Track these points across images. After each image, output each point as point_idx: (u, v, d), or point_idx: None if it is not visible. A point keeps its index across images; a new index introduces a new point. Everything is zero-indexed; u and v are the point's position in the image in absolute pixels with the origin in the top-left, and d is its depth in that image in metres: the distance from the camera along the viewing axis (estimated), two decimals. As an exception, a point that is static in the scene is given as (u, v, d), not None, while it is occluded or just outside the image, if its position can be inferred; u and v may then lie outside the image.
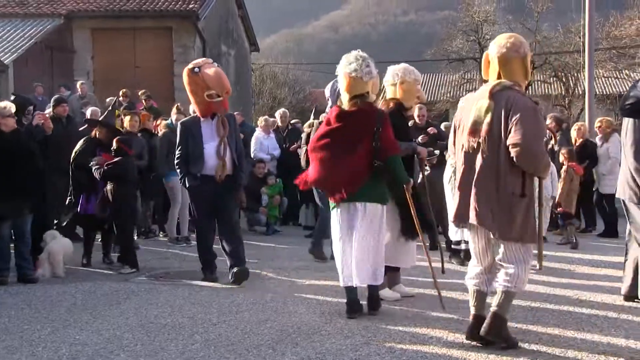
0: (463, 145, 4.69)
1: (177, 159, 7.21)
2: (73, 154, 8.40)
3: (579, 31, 20.90)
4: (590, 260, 8.71)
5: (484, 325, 4.61)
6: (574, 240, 10.01)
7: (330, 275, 7.38)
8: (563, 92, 29.48)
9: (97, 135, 8.41)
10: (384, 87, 6.54)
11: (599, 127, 11.57)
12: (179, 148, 7.19)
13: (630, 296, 6.10)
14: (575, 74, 27.51)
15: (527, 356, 4.57)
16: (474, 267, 4.83)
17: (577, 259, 8.76)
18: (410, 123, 11.05)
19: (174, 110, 10.78)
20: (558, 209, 10.27)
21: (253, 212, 11.55)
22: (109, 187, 7.81)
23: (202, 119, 7.14)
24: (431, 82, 38.17)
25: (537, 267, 5.05)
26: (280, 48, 63.46)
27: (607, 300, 6.29)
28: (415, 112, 11.23)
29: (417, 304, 6.08)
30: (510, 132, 4.43)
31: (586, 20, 16.21)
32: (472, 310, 4.79)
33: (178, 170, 7.26)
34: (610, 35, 26.63)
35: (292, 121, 14.26)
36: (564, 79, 29.19)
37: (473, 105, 4.65)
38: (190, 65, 7.06)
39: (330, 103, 7.26)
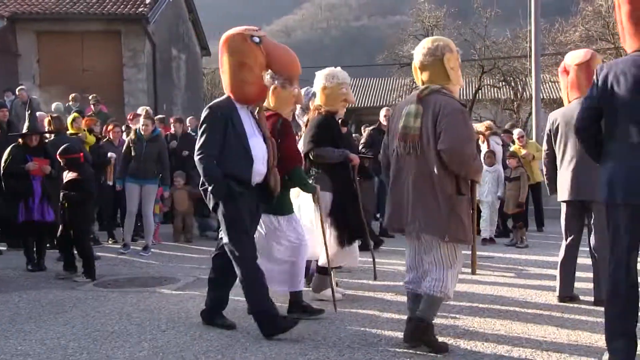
0: (394, 150, 4.71)
1: (208, 156, 5.05)
2: (2, 162, 8.22)
3: (527, 37, 21.27)
4: (536, 260, 8.86)
5: (406, 330, 4.63)
6: (523, 242, 10.19)
7: (281, 280, 7.39)
8: (512, 96, 29.97)
9: (27, 142, 8.19)
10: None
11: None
12: (210, 141, 5.07)
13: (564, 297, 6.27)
14: (524, 79, 28.02)
15: (473, 356, 4.62)
16: (409, 273, 4.85)
17: (524, 260, 8.91)
18: (373, 126, 11.25)
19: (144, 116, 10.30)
20: (511, 210, 10.45)
21: (204, 217, 11.45)
22: (62, 195, 7.73)
23: (238, 106, 5.25)
24: (383, 86, 38.52)
25: (471, 272, 5.05)
26: (233, 52, 63.08)
27: (552, 299, 6.41)
28: (381, 114, 11.37)
29: (367, 306, 6.10)
30: (439, 137, 4.45)
31: (532, 26, 16.54)
32: (409, 313, 4.80)
33: (206, 173, 5.05)
34: (556, 41, 27.20)
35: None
36: (512, 84, 29.69)
37: (403, 111, 4.66)
38: (240, 29, 5.30)
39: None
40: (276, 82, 5.52)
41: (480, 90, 30.70)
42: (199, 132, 5.15)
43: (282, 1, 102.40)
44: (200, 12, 27.01)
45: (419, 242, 4.72)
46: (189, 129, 13.04)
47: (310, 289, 6.37)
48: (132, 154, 9.48)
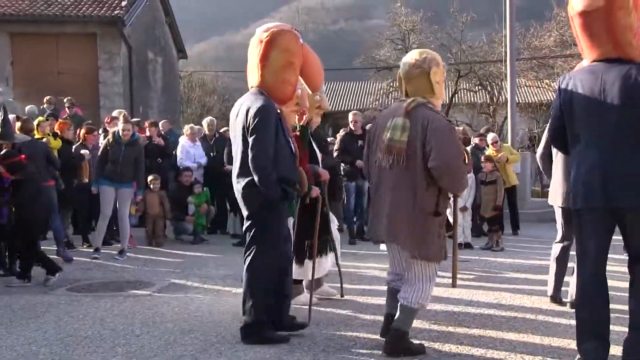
0: (376, 162, 4.71)
1: (267, 157, 4.84)
2: None
3: (502, 41, 21.42)
4: (511, 264, 8.92)
5: (385, 343, 4.64)
6: (499, 245, 10.24)
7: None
8: (488, 100, 30.15)
9: None
10: None
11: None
12: (269, 140, 4.86)
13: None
14: (499, 83, 28.20)
15: (451, 358, 4.65)
16: (390, 275, 4.92)
17: (500, 263, 8.96)
18: (344, 131, 11.24)
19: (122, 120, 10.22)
20: (488, 214, 10.48)
21: (180, 220, 11.40)
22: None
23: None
24: (360, 90, 38.62)
25: (452, 285, 5.06)
26: (210, 56, 63.06)
27: (526, 303, 6.46)
28: (350, 118, 11.35)
29: (343, 309, 6.10)
30: (430, 154, 4.44)
31: (507, 31, 16.67)
32: (387, 309, 4.84)
33: (264, 173, 4.83)
34: (531, 46, 27.45)
35: (222, 130, 14.15)
36: (488, 88, 29.88)
37: (388, 122, 4.65)
38: (285, 27, 5.19)
39: None
40: None
41: (456, 95, 30.82)
42: (255, 130, 4.83)
43: (259, 5, 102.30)
44: (177, 15, 26.90)
45: (395, 251, 4.77)
46: (162, 132, 12.94)
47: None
48: (109, 157, 9.43)
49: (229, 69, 48.63)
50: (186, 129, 12.72)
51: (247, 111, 4.91)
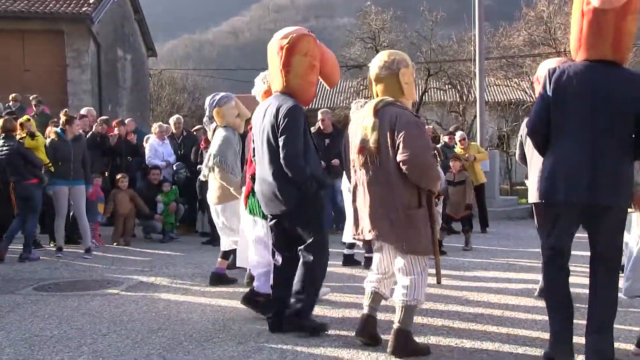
0: (353, 162, 4.74)
1: (299, 154, 5.01)
2: None
3: (472, 40, 21.59)
4: (480, 262, 9.00)
5: (390, 344, 4.63)
6: (468, 245, 10.29)
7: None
8: (458, 99, 30.35)
9: None
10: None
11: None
12: (300, 140, 5.04)
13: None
14: (469, 82, 28.42)
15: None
16: (375, 275, 4.88)
17: (468, 262, 9.03)
18: (314, 129, 11.24)
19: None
20: (460, 215, 10.50)
21: (148, 219, 11.32)
22: None
23: None
24: (330, 89, 38.62)
25: (437, 281, 5.07)
26: (180, 53, 62.72)
27: (492, 299, 6.53)
28: (318, 117, 11.35)
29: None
30: (398, 149, 4.47)
31: (476, 30, 16.81)
32: (366, 310, 4.84)
33: (303, 171, 4.98)
34: (500, 45, 27.66)
35: (195, 128, 14.04)
36: (458, 87, 30.09)
37: (360, 124, 4.69)
38: (303, 31, 5.28)
39: (207, 114, 7.13)
40: (265, 85, 5.56)
41: (426, 93, 31.01)
42: (286, 129, 4.96)
43: (230, 3, 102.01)
44: (147, 12, 26.68)
45: (385, 249, 4.77)
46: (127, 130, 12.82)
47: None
48: (59, 156, 9.37)
49: (199, 67, 48.53)
50: (154, 127, 12.65)
51: (277, 111, 5.02)
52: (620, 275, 4.35)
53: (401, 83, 4.71)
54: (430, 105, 31.38)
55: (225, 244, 7.14)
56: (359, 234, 4.77)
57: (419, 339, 4.98)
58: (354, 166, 4.76)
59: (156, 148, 12.13)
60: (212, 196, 7.05)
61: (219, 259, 7.24)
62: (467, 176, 10.78)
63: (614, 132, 4.12)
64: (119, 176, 10.92)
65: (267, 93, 5.66)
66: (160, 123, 13.12)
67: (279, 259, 5.25)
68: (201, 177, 7.39)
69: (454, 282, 7.50)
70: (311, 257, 5.06)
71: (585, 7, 4.26)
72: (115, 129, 12.42)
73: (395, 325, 4.63)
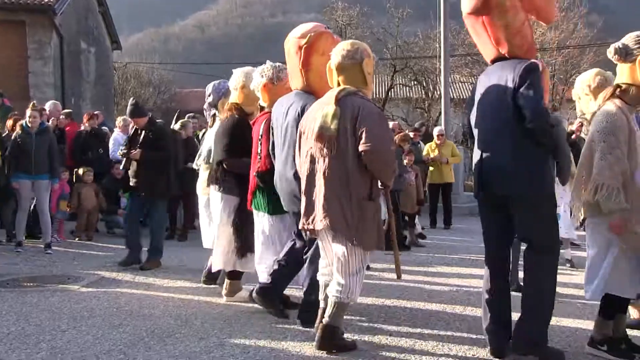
0: (308, 151, 4.70)
1: None
2: None
3: (437, 37, 21.73)
4: (442, 258, 9.07)
5: (317, 338, 4.64)
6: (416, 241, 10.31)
7: (190, 277, 7.31)
8: (423, 95, 30.54)
9: None
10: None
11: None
12: None
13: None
14: (434, 78, 28.59)
15: (378, 351, 4.69)
16: (325, 267, 4.86)
17: (431, 258, 9.10)
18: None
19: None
20: (410, 210, 10.55)
21: (112, 214, 11.18)
22: None
23: None
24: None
25: (397, 277, 5.08)
26: (145, 47, 62.08)
27: (455, 294, 6.58)
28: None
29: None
30: (360, 139, 4.47)
31: (441, 28, 16.91)
32: (322, 304, 4.83)
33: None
34: (466, 42, 27.87)
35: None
36: (424, 83, 30.27)
37: (319, 111, 4.65)
38: (320, 28, 5.34)
39: (210, 100, 7.00)
40: (264, 78, 5.50)
41: (392, 89, 31.14)
42: None
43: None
44: (111, 5, 26.34)
45: (326, 241, 4.73)
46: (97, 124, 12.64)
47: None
48: (21, 148, 9.19)
49: (165, 60, 48.08)
50: (119, 121, 12.51)
51: (303, 110, 5.07)
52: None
53: (364, 73, 4.72)
54: (396, 101, 31.52)
55: (206, 242, 7.06)
56: (309, 223, 4.71)
57: (380, 336, 5.02)
58: (309, 154, 4.71)
59: (120, 142, 11.97)
60: (200, 187, 7.02)
61: (211, 257, 7.10)
62: (418, 170, 10.83)
63: (503, 127, 4.33)
64: (82, 170, 10.76)
65: (267, 86, 5.63)
66: (125, 117, 12.94)
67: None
68: (193, 166, 7.37)
69: (417, 277, 7.55)
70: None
71: (463, 15, 4.59)
72: (86, 122, 12.22)
73: (325, 320, 4.64)
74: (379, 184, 4.64)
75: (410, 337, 5.03)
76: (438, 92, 26.52)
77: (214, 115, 6.98)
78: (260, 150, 5.51)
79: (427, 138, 13.98)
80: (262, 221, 5.67)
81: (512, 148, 4.30)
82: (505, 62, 4.43)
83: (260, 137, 5.53)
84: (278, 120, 5.34)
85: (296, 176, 5.01)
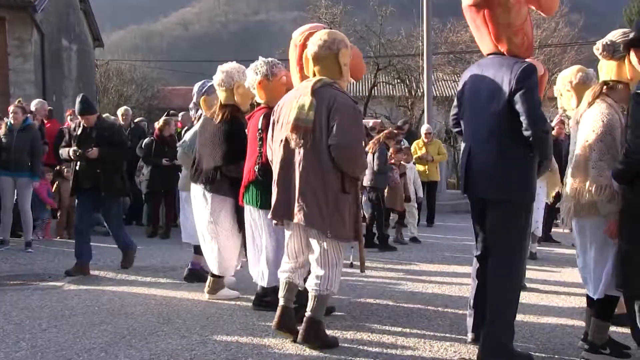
0: (282, 141, 4.68)
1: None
2: None
3: (420, 35, 21.79)
4: (425, 255, 9.11)
5: (300, 331, 4.64)
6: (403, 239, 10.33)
7: (172, 275, 7.29)
8: (406, 93, 30.59)
9: None
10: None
11: None
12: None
13: None
14: (417, 77, 28.66)
15: (359, 348, 4.70)
16: (288, 263, 4.83)
17: (414, 255, 9.13)
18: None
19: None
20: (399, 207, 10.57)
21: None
22: None
23: None
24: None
25: (360, 271, 5.08)
26: (128, 44, 61.72)
27: (437, 291, 6.61)
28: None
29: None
30: (331, 132, 4.46)
31: (424, 26, 16.96)
32: (281, 302, 4.79)
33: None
34: (448, 41, 28.02)
35: (137, 119, 13.91)
36: (407, 81, 30.32)
37: (294, 102, 4.64)
38: (319, 27, 5.37)
39: (194, 100, 7.05)
40: (258, 75, 5.48)
41: (375, 87, 31.17)
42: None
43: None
44: (93, 2, 26.15)
45: (304, 234, 4.72)
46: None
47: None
48: (3, 145, 9.11)
49: (147, 58, 47.77)
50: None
51: None
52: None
53: (340, 64, 4.70)
54: (379, 99, 31.53)
55: (185, 237, 7.07)
56: (283, 210, 4.67)
57: (364, 331, 5.03)
58: (282, 145, 4.68)
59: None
60: (182, 183, 7.01)
61: (193, 255, 7.11)
62: (407, 169, 10.86)
63: (491, 124, 4.24)
64: (63, 166, 10.69)
65: (262, 83, 5.57)
66: (108, 114, 12.88)
67: None
68: (176, 162, 7.35)
69: (400, 274, 7.58)
70: None
71: (463, 6, 4.47)
72: (69, 118, 12.13)
73: (307, 314, 4.64)
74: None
75: (392, 334, 5.04)
76: (421, 90, 26.56)
77: (201, 114, 7.01)
78: (261, 144, 5.46)
79: (410, 136, 14.03)
80: (250, 215, 5.65)
81: (501, 151, 4.21)
82: (502, 59, 4.30)
83: (259, 132, 5.47)
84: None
85: None
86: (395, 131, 12.55)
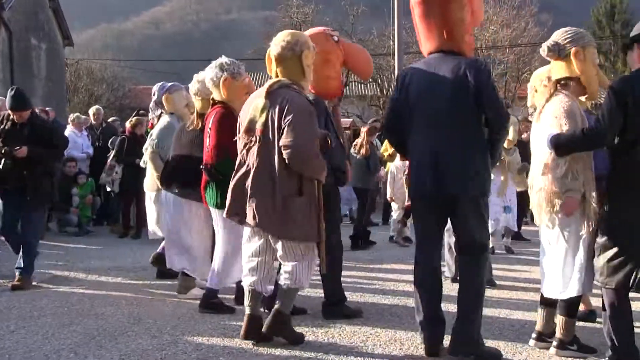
0: (245, 144, 4.66)
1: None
2: None
3: (392, 35, 21.89)
4: (397, 254, 9.16)
5: (267, 322, 4.65)
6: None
7: (142, 275, 7.26)
8: (378, 93, 30.69)
9: None
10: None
11: None
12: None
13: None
14: (389, 76, 28.76)
15: (330, 347, 4.71)
16: (250, 267, 4.77)
17: (386, 255, 9.17)
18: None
19: None
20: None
21: (64, 212, 11.01)
22: None
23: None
24: (252, 81, 38.43)
25: (320, 271, 5.09)
26: (99, 43, 61.22)
27: (409, 291, 6.62)
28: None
29: (229, 300, 6.06)
30: (283, 133, 4.44)
31: (395, 25, 17.05)
32: (247, 310, 4.75)
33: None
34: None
35: (111, 119, 13.80)
36: (379, 81, 30.43)
37: (253, 104, 4.64)
38: (318, 30, 5.62)
39: (155, 98, 7.07)
40: (225, 73, 5.44)
41: (347, 87, 31.22)
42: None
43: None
44: (63, 1, 25.84)
45: (264, 239, 4.69)
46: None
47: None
48: None
49: (118, 57, 47.37)
50: (72, 118, 12.32)
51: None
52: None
53: (303, 65, 4.71)
54: (351, 98, 31.60)
55: (152, 234, 7.08)
56: (239, 210, 4.65)
57: (334, 329, 5.05)
58: (243, 146, 4.68)
59: (74, 139, 11.79)
60: (148, 182, 6.97)
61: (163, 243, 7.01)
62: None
63: (456, 124, 4.28)
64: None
65: (227, 81, 5.53)
66: (78, 114, 12.78)
67: None
68: (141, 164, 7.30)
69: (371, 274, 7.62)
70: None
71: (412, 2, 4.49)
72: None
73: (276, 306, 4.66)
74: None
75: (363, 333, 5.06)
76: (392, 90, 26.71)
77: (161, 114, 7.03)
78: (209, 142, 5.45)
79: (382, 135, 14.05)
80: (213, 216, 5.65)
81: (469, 148, 4.28)
82: (453, 57, 4.33)
83: (209, 129, 5.46)
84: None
85: None
86: (376, 126, 12.61)
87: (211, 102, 5.77)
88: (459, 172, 4.26)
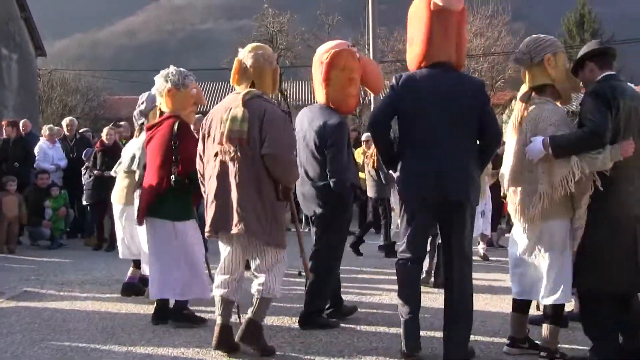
0: (217, 154, 4.63)
1: (344, 167, 5.41)
2: None
3: (367, 44, 21.97)
4: (374, 261, 9.13)
5: (240, 331, 4.64)
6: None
7: (116, 288, 7.15)
8: (354, 101, 30.76)
9: None
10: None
11: None
12: (345, 153, 5.42)
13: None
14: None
15: (308, 354, 4.69)
16: (223, 276, 4.75)
17: (361, 261, 9.15)
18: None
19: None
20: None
21: (36, 225, 10.85)
22: None
23: None
24: (227, 91, 38.41)
25: (306, 277, 5.09)
26: (72, 53, 60.75)
27: (384, 300, 6.63)
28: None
29: (203, 312, 5.99)
30: (263, 142, 4.52)
31: (370, 34, 17.12)
32: (219, 320, 4.71)
33: (341, 181, 5.35)
34: (395, 49, 28.28)
35: (82, 130, 13.63)
36: (354, 89, 30.48)
37: (225, 114, 4.62)
38: (343, 45, 5.57)
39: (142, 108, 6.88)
40: (168, 83, 5.40)
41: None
42: (335, 144, 5.30)
43: (125, 2, 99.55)
44: (35, 10, 25.62)
45: (245, 246, 4.68)
46: (23, 132, 12.20)
47: None
48: None
49: (92, 67, 47.04)
50: (45, 129, 12.14)
51: (324, 124, 5.35)
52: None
53: (274, 79, 4.86)
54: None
55: (123, 252, 6.89)
56: (222, 225, 4.62)
57: (310, 341, 5.02)
58: (215, 158, 4.64)
59: (46, 151, 11.65)
60: (116, 195, 6.84)
61: (131, 268, 6.91)
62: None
63: (462, 135, 4.48)
64: (5, 178, 10.41)
65: (171, 92, 5.47)
66: (51, 125, 12.61)
67: None
68: (112, 173, 7.18)
69: (346, 283, 7.56)
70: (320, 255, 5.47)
71: (433, 8, 4.50)
72: (4, 130, 11.78)
73: (248, 315, 4.66)
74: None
75: (339, 344, 5.03)
76: (368, 98, 26.76)
77: (142, 124, 6.86)
78: (176, 154, 5.31)
79: (358, 144, 14.04)
80: (163, 230, 5.48)
81: (468, 157, 4.52)
82: (456, 73, 4.61)
83: (174, 141, 5.32)
84: (302, 131, 5.54)
85: (316, 177, 5.39)
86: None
87: (158, 112, 5.74)
88: (463, 180, 4.47)
